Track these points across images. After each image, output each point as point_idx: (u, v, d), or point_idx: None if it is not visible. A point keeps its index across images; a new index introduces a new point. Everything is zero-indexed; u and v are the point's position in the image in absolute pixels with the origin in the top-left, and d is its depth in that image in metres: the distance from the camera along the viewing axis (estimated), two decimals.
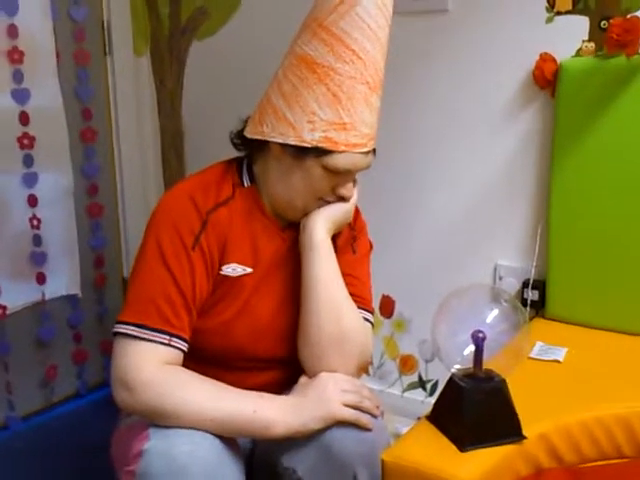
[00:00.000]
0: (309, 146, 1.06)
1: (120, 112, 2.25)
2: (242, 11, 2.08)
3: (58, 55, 1.99)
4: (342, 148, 1.07)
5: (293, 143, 1.07)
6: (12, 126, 1.90)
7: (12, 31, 1.85)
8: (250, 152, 1.18)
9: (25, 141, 1.92)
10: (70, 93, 2.06)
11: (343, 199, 1.15)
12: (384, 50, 1.11)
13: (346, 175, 1.11)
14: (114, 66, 2.21)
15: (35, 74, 1.92)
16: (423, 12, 1.77)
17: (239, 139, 1.18)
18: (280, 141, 1.08)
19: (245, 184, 1.17)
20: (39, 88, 1.93)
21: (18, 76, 1.88)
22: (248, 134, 1.14)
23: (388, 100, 1.83)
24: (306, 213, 1.15)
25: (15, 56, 1.86)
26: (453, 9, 1.73)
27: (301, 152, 1.07)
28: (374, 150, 1.14)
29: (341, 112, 1.05)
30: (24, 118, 1.91)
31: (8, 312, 1.94)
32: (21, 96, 1.89)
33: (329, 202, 1.14)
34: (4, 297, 1.92)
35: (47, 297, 2.05)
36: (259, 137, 1.11)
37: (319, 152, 1.06)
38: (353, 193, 1.16)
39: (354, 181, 1.17)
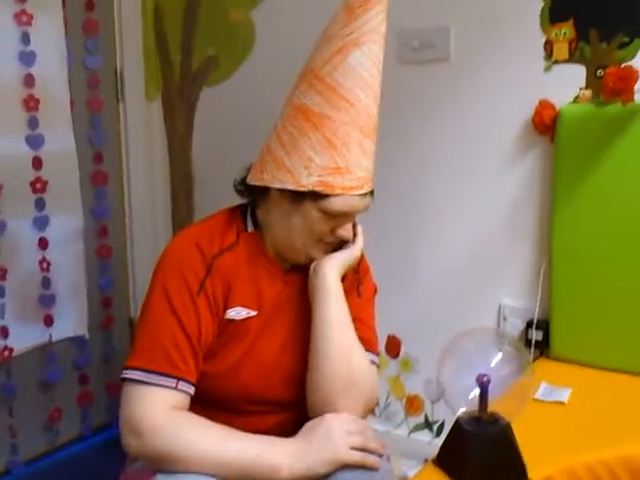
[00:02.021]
0: (306, 190, 1.09)
1: (131, 155, 2.31)
2: (252, 59, 2.15)
3: (72, 102, 2.05)
4: (338, 191, 1.09)
5: (291, 188, 1.10)
6: (25, 171, 1.95)
7: (29, 80, 1.92)
8: (253, 198, 1.22)
9: (38, 185, 1.97)
10: (83, 138, 2.12)
11: (343, 240, 1.18)
12: (377, 97, 1.13)
13: (344, 217, 1.14)
14: (126, 112, 2.28)
15: (49, 120, 1.98)
16: (427, 62, 1.83)
17: (242, 186, 1.22)
18: (279, 187, 1.12)
19: (249, 229, 1.20)
20: (53, 134, 1.99)
21: (33, 122, 1.94)
22: (250, 181, 1.18)
23: (393, 143, 1.89)
24: (308, 255, 1.18)
25: (31, 104, 1.92)
26: (455, 59, 1.79)
27: (299, 196, 1.10)
28: (372, 192, 1.16)
29: (336, 157, 1.09)
30: (37, 163, 1.96)
31: (14, 354, 1.95)
32: (35, 142, 1.95)
33: (329, 243, 1.17)
34: (11, 339, 1.94)
35: (54, 339, 2.07)
36: (260, 184, 1.15)
37: (316, 196, 1.09)
38: (351, 234, 1.18)
39: (354, 223, 1.20)
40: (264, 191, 1.16)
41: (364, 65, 1.10)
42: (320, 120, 1.09)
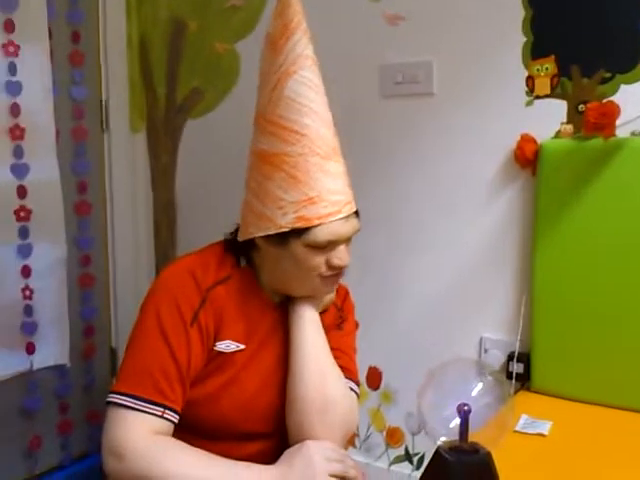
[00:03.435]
0: (287, 230, 1.09)
1: (115, 186, 2.31)
2: (236, 92, 2.17)
3: (57, 132, 2.06)
4: (316, 222, 1.09)
5: (273, 232, 1.11)
6: (10, 199, 1.95)
7: (15, 109, 1.92)
8: (247, 254, 1.21)
9: (22, 214, 1.97)
10: (67, 167, 2.12)
11: (340, 269, 1.16)
12: (326, 119, 1.14)
13: (332, 246, 1.13)
14: (111, 142, 2.29)
15: (34, 150, 1.98)
16: (411, 95, 1.86)
17: (234, 246, 1.21)
18: (262, 234, 1.12)
19: (242, 264, 1.21)
20: (38, 163, 1.99)
21: (18, 152, 1.94)
22: (240, 238, 1.18)
23: (377, 176, 1.91)
24: (313, 292, 1.18)
25: (17, 133, 1.93)
26: (439, 93, 1.82)
27: (282, 238, 1.10)
28: (357, 213, 1.16)
29: (303, 189, 1.09)
30: (22, 192, 1.96)
31: None
32: (20, 171, 1.95)
33: (330, 276, 1.15)
34: None
35: (35, 367, 2.04)
36: (247, 238, 1.16)
37: (297, 233, 1.09)
38: (347, 261, 1.16)
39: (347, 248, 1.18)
40: (253, 244, 1.16)
41: (301, 92, 1.10)
42: (278, 159, 1.10)
